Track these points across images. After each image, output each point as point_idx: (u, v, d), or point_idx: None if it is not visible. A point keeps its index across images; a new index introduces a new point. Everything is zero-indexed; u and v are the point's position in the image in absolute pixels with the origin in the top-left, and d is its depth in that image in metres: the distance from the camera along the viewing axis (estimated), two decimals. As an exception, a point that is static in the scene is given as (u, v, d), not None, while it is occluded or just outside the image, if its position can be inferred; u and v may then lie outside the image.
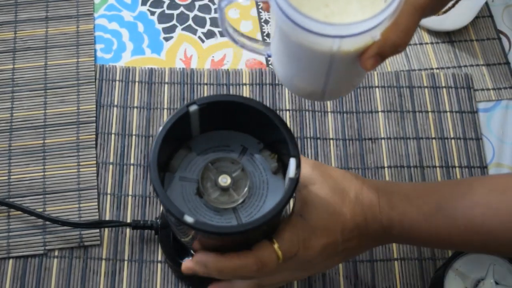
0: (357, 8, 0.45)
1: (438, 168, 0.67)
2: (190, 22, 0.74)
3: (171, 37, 0.73)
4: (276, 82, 0.70)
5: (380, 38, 0.42)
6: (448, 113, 0.70)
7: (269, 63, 0.71)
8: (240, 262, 0.46)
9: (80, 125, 0.67)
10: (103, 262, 0.61)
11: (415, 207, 0.49)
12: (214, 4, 0.76)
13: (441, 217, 0.48)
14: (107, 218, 0.63)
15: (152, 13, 0.75)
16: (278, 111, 0.68)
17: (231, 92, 0.69)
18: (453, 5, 0.50)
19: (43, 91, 0.68)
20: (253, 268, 0.46)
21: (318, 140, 0.67)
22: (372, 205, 0.49)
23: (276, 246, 0.46)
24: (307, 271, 0.52)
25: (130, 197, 0.64)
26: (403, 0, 0.41)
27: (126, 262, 0.61)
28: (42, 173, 0.64)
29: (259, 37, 0.74)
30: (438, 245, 0.57)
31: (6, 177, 0.64)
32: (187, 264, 0.49)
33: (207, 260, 0.47)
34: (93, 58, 0.70)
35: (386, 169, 0.66)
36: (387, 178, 0.66)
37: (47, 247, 0.61)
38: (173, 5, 0.75)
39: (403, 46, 0.44)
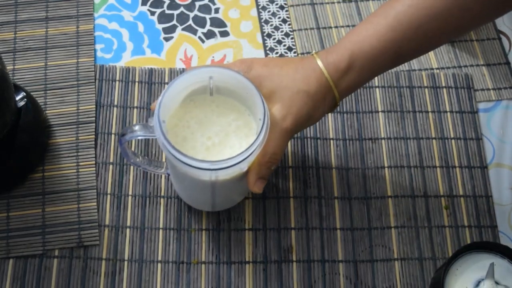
0: (234, 140, 0.54)
1: (438, 168, 0.67)
2: (190, 22, 0.74)
3: (171, 37, 0.73)
4: (276, 82, 0.70)
5: (255, 168, 0.53)
6: (448, 113, 0.70)
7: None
8: None
9: (80, 125, 0.67)
10: (103, 262, 0.61)
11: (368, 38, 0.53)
12: (214, 4, 0.76)
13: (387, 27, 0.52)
14: (106, 218, 0.63)
15: (152, 13, 0.75)
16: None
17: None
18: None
19: (43, 92, 0.68)
20: None
21: (318, 140, 0.67)
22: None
23: None
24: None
25: (130, 197, 0.64)
26: (262, 143, 0.50)
27: (126, 262, 0.61)
28: (41, 173, 0.64)
29: (259, 38, 0.74)
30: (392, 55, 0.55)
31: (6, 177, 0.64)
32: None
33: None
34: (93, 58, 0.70)
35: (386, 169, 0.66)
36: (387, 178, 0.66)
37: (46, 247, 0.61)
38: (173, 5, 0.75)
39: (275, 163, 0.54)
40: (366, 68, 0.54)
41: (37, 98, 0.66)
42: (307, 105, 0.53)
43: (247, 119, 0.55)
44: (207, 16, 0.75)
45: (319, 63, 0.54)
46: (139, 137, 0.54)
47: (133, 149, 0.66)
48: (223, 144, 0.54)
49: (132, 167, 0.65)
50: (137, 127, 0.53)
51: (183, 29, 0.74)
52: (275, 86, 0.53)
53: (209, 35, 0.74)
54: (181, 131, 0.55)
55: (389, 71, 0.71)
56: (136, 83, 0.69)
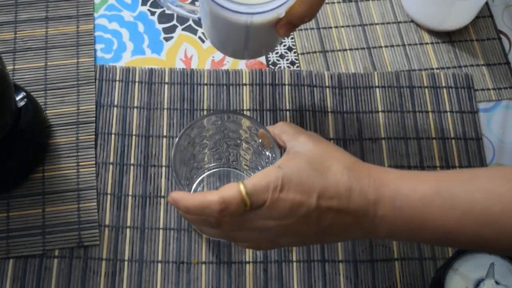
0: None
1: (438, 168, 0.67)
2: (190, 22, 0.74)
3: (171, 37, 0.73)
4: (276, 82, 0.70)
5: (288, 11, 0.50)
6: (449, 113, 0.70)
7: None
8: (204, 199, 0.46)
9: (80, 125, 0.67)
10: (103, 262, 0.61)
11: (410, 186, 0.45)
12: (214, 4, 0.75)
13: (438, 199, 0.44)
14: (107, 219, 0.63)
15: (152, 13, 0.75)
16: (278, 111, 0.68)
17: (231, 93, 0.69)
18: None
19: (43, 92, 0.68)
20: (215, 208, 0.46)
21: (318, 140, 0.67)
22: (361, 178, 0.46)
23: (242, 187, 0.46)
24: (277, 236, 0.48)
25: (130, 197, 0.64)
26: None
27: (126, 262, 0.61)
28: (41, 173, 0.64)
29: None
30: (426, 235, 0.46)
31: (6, 177, 0.64)
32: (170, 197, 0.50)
33: (177, 197, 0.48)
34: (93, 58, 0.70)
35: (386, 169, 0.66)
36: (387, 178, 0.66)
37: (46, 247, 0.61)
38: (173, 5, 0.75)
39: (308, 17, 0.52)
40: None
41: (37, 98, 0.66)
42: None
43: None
44: (207, 16, 0.75)
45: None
46: None
47: (133, 147, 0.66)
48: None
49: (132, 167, 0.65)
50: None
51: (183, 29, 0.74)
52: None
53: (209, 35, 0.74)
54: None
55: (389, 70, 0.71)
56: (136, 83, 0.69)
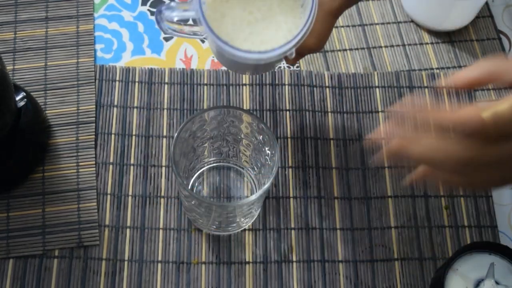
0: (279, 15, 0.52)
1: (438, 168, 0.67)
2: (190, 22, 0.74)
3: (171, 37, 0.73)
4: (276, 82, 0.70)
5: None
6: (448, 113, 0.70)
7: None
8: (440, 113, 0.45)
9: (80, 126, 0.67)
10: (103, 262, 0.61)
11: None
12: (214, 4, 0.76)
13: None
14: (106, 219, 0.63)
15: (152, 13, 0.75)
16: (278, 111, 0.68)
17: (230, 93, 0.69)
18: None
19: (43, 92, 0.68)
20: (450, 117, 0.44)
21: (318, 140, 0.67)
22: None
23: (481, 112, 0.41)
24: None
25: (130, 197, 0.64)
26: (310, 26, 0.49)
27: (126, 262, 0.61)
28: (41, 173, 0.64)
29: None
30: None
31: (6, 177, 0.64)
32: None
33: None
34: (93, 59, 0.70)
35: (386, 169, 0.66)
36: (387, 179, 0.66)
37: (46, 247, 0.61)
38: (173, 6, 0.75)
39: (316, 49, 0.54)
40: None
41: (37, 98, 0.66)
42: None
43: None
44: (207, 16, 0.75)
45: None
46: (176, 17, 0.51)
47: (133, 147, 0.66)
48: (267, 20, 0.51)
49: (132, 167, 0.65)
50: (173, 4, 0.50)
51: (183, 29, 0.74)
52: None
53: (209, 35, 0.74)
54: (219, 7, 0.51)
55: (389, 71, 0.71)
56: (136, 83, 0.69)
